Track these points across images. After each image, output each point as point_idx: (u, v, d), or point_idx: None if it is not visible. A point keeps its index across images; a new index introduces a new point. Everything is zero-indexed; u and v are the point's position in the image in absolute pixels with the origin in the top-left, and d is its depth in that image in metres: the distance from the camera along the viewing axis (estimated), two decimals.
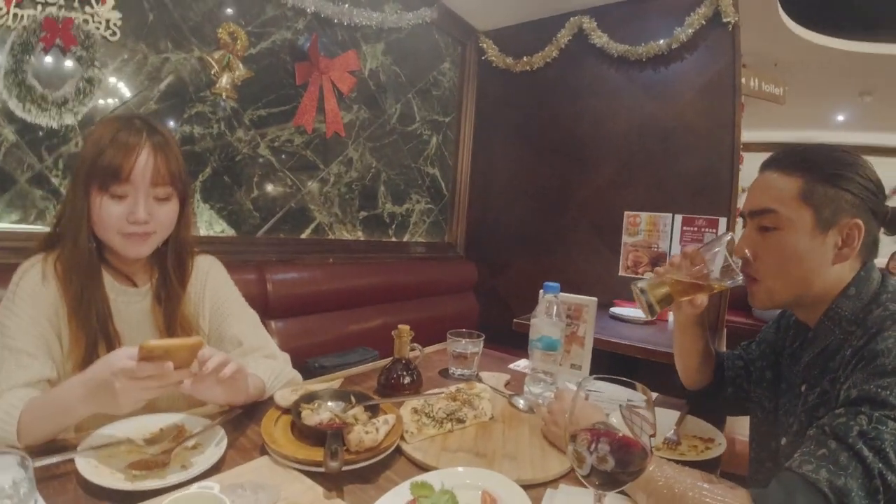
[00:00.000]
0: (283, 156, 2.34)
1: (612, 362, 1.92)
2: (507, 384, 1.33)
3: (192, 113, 2.00)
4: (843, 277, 0.87)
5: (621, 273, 2.85)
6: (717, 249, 0.96)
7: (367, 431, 0.86)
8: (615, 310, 2.56)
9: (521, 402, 1.16)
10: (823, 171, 0.85)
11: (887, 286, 0.86)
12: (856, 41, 4.39)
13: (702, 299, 1.05)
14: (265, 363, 1.16)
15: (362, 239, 2.76)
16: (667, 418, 1.16)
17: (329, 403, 1.03)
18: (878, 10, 4.02)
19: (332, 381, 1.21)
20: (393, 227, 2.96)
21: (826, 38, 4.34)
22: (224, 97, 2.07)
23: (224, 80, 2.06)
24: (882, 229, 0.90)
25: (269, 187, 2.30)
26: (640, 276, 2.78)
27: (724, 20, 2.54)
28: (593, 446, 0.62)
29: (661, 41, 2.70)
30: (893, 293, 0.84)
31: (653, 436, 0.62)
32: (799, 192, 0.86)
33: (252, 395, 1.06)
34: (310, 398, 1.03)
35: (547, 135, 3.13)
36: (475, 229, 3.43)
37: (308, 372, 1.89)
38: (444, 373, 1.40)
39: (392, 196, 2.92)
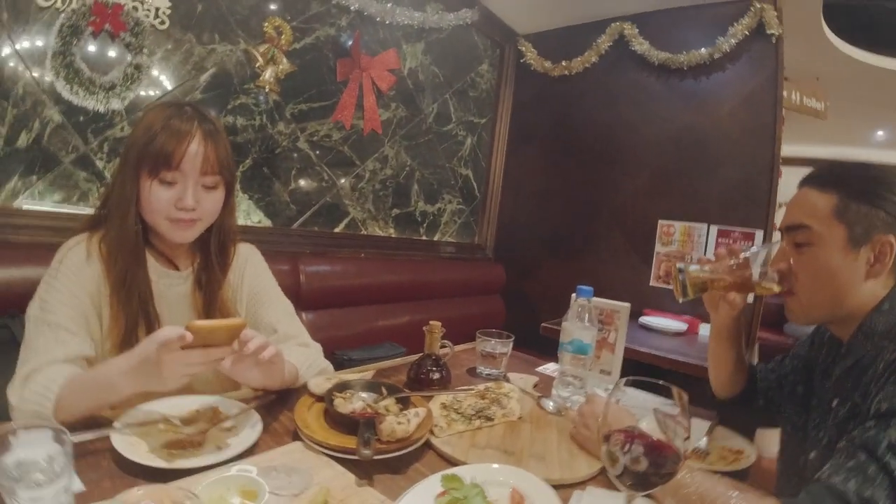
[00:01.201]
0: (321, 150, 2.38)
1: (641, 372, 1.88)
2: (535, 386, 1.33)
3: (235, 104, 2.05)
4: (877, 293, 0.87)
5: (652, 283, 2.81)
6: (761, 252, 0.96)
7: (400, 422, 0.88)
8: (645, 319, 2.53)
9: (549, 405, 1.17)
10: (858, 188, 0.86)
11: None
12: None
13: (737, 297, 1.03)
14: (299, 351, 1.18)
15: (394, 236, 2.80)
16: (697, 428, 1.15)
17: (362, 393, 1.05)
18: None
19: (364, 373, 1.23)
20: (424, 225, 2.99)
21: (869, 55, 4.25)
22: (267, 90, 2.12)
23: (268, 74, 2.11)
24: None
25: (306, 181, 2.35)
26: (669, 286, 2.74)
27: (768, 32, 2.50)
28: (627, 447, 0.62)
29: (703, 50, 2.67)
30: None
31: (687, 439, 0.62)
32: (833, 209, 0.87)
33: (286, 382, 1.08)
34: (343, 387, 1.05)
35: (582, 140, 3.11)
36: (505, 232, 3.44)
37: (336, 364, 1.89)
38: (472, 371, 1.41)
39: (425, 195, 2.95)
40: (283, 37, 2.13)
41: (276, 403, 1.05)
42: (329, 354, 2.02)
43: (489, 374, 1.36)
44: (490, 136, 3.38)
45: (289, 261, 2.11)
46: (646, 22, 2.88)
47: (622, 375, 1.18)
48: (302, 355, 1.17)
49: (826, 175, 0.91)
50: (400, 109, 2.71)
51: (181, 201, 1.01)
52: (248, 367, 0.92)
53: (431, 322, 1.24)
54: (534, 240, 3.30)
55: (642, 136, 2.89)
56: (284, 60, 2.16)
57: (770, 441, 1.24)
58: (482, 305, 3.07)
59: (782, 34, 2.51)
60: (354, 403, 0.99)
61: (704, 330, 2.54)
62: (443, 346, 1.29)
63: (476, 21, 2.98)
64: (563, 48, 3.17)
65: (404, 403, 1.02)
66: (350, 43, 2.40)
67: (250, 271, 1.24)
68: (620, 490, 0.66)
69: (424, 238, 3.01)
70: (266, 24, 2.07)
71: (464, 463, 0.88)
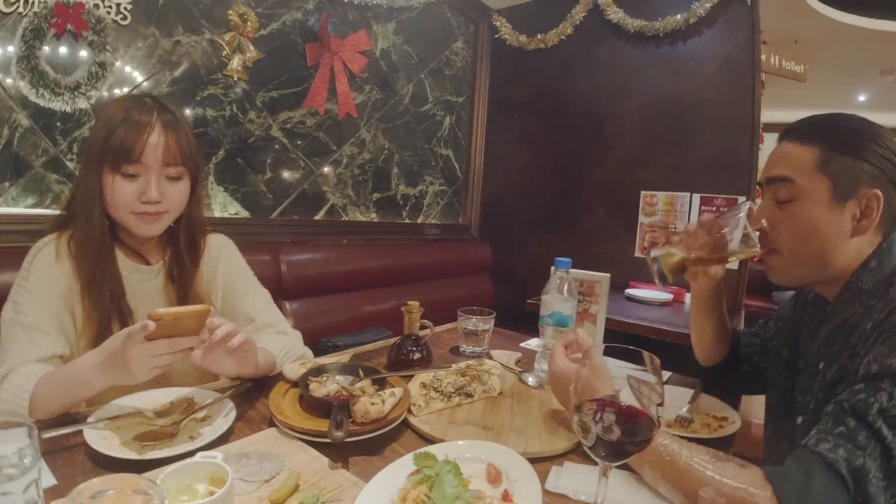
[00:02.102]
0: (296, 138, 2.34)
1: (627, 343, 1.89)
2: (518, 362, 1.32)
3: (204, 95, 2.00)
4: (863, 251, 0.84)
5: (637, 254, 2.80)
6: (738, 216, 0.93)
7: (373, 403, 0.86)
8: (631, 291, 2.53)
9: (530, 379, 1.15)
10: (841, 140, 0.83)
11: None
12: (878, 19, 4.26)
13: (716, 269, 1.02)
14: (276, 339, 1.17)
15: (376, 220, 2.76)
16: (680, 396, 1.14)
17: (337, 377, 1.04)
18: None
19: (341, 356, 1.21)
20: (407, 208, 2.96)
21: (848, 16, 4.22)
22: (235, 79, 2.07)
23: (235, 62, 2.06)
24: None
25: (282, 169, 2.31)
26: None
27: None
28: (599, 416, 0.60)
29: (679, 16, 2.62)
30: None
31: (660, 405, 0.60)
32: (816, 162, 0.83)
33: (262, 369, 1.07)
34: (318, 371, 1.04)
35: (562, 113, 3.07)
36: (490, 210, 3.40)
37: (321, 351, 1.90)
38: (455, 350, 1.40)
39: (405, 177, 2.91)
40: (248, 24, 2.08)
41: (252, 392, 1.04)
42: (314, 343, 2.02)
43: (472, 352, 1.35)
44: (469, 115, 3.33)
45: (269, 251, 2.08)
46: None
47: (608, 347, 1.17)
48: (279, 343, 1.16)
49: (807, 127, 0.88)
50: (374, 92, 2.65)
51: (145, 194, 1.00)
52: (220, 356, 0.91)
53: (409, 302, 1.22)
54: (519, 216, 3.27)
55: (622, 106, 2.85)
56: (251, 48, 2.10)
57: (757, 407, 1.24)
58: (470, 286, 3.05)
59: None
60: (329, 387, 0.97)
61: (690, 299, 2.54)
62: (423, 327, 1.27)
63: None
64: (537, 21, 3.10)
65: (381, 385, 1.01)
66: (318, 26, 2.34)
67: (224, 262, 1.23)
68: (596, 461, 0.64)
69: (408, 221, 2.97)
70: (230, 12, 2.02)
71: (441, 440, 0.87)
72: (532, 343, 1.52)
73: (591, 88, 2.95)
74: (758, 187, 0.94)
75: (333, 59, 2.42)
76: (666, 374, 1.34)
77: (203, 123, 2.01)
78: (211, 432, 0.83)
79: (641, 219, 2.79)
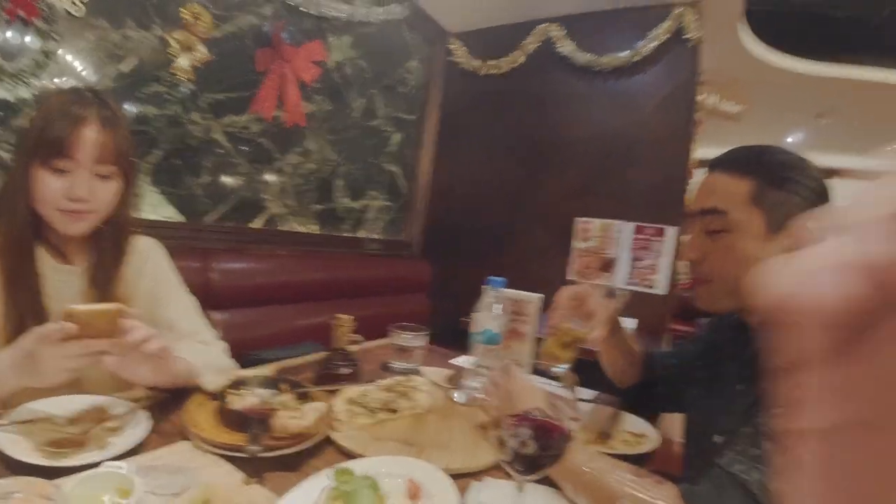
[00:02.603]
0: (239, 142, 2.27)
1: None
2: (448, 378, 1.32)
3: (148, 92, 1.93)
4: None
5: (571, 277, 2.89)
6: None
7: (293, 417, 0.84)
8: None
9: (457, 396, 1.15)
10: (774, 173, 0.84)
11: None
12: (815, 62, 4.57)
13: (593, 338, 1.06)
14: (198, 348, 1.13)
15: (316, 232, 2.71)
16: (602, 413, 1.17)
17: (258, 390, 1.00)
18: (840, 33, 4.19)
19: (265, 369, 1.17)
20: (348, 222, 2.92)
21: (785, 59, 4.50)
22: (182, 78, 2.01)
23: (183, 61, 1.99)
24: None
25: (222, 174, 2.24)
26: (586, 281, 2.84)
27: (686, 36, 2.61)
28: (515, 431, 0.61)
29: (624, 53, 2.76)
30: None
31: (574, 419, 0.61)
32: (750, 195, 0.84)
33: (180, 379, 1.02)
34: (238, 384, 0.99)
35: (510, 139, 3.15)
36: (433, 229, 3.41)
37: (249, 364, 1.82)
38: (386, 367, 1.38)
39: (349, 191, 2.87)
40: (201, 23, 2.02)
41: (169, 403, 0.99)
42: (242, 355, 1.94)
43: (402, 369, 1.34)
44: (418, 134, 3.35)
45: (199, 257, 2.00)
46: (572, 24, 2.94)
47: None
48: (200, 353, 1.11)
49: (740, 159, 0.88)
50: (325, 103, 2.63)
51: (72, 191, 0.95)
52: (135, 362, 0.87)
53: (339, 315, 1.20)
54: (462, 238, 3.30)
55: (567, 136, 2.95)
56: (201, 48, 2.04)
57: (677, 424, 1.28)
58: (408, 304, 3.04)
59: (701, 38, 2.62)
60: (248, 400, 0.93)
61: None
62: (353, 341, 1.25)
63: (406, 17, 2.95)
64: (491, 48, 3.19)
65: (304, 399, 0.98)
66: (272, 32, 2.31)
67: (150, 267, 1.18)
68: (513, 477, 0.64)
69: (348, 235, 2.93)
70: (184, 9, 1.96)
71: (362, 456, 0.85)
72: (461, 360, 1.52)
73: (539, 117, 3.04)
74: (688, 217, 0.97)
75: (285, 66, 2.39)
76: (593, 393, 1.38)
77: (143, 121, 1.93)
78: (121, 442, 0.80)
79: (576, 244, 2.88)
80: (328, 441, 0.91)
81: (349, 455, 0.87)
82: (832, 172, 7.11)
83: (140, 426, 0.85)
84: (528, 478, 0.64)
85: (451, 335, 1.86)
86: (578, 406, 0.62)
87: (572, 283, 2.74)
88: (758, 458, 0.67)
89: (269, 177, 2.43)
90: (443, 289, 3.18)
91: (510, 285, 1.24)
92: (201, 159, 2.15)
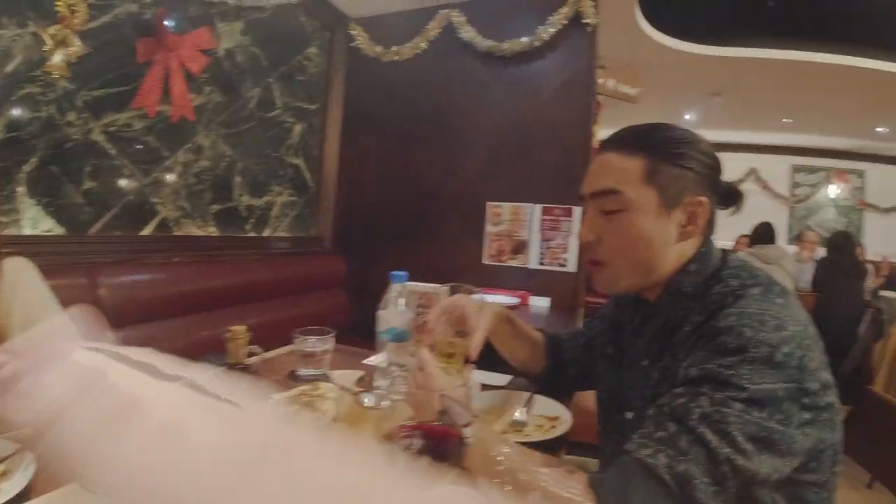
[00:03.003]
0: (121, 142, 2.07)
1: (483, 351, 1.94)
2: (359, 381, 1.26)
3: (20, 95, 1.72)
4: (685, 254, 0.86)
5: (486, 261, 2.92)
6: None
7: None
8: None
9: (366, 399, 1.10)
10: (666, 150, 0.84)
11: (728, 262, 0.86)
12: (707, 45, 4.88)
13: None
14: None
15: (215, 235, 2.53)
16: (517, 400, 1.17)
17: None
18: (728, 15, 4.47)
19: None
20: (251, 221, 2.75)
21: (680, 42, 4.76)
22: (56, 76, 1.80)
23: (58, 57, 1.79)
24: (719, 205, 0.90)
25: (104, 178, 2.03)
26: (501, 263, 2.90)
27: (584, 21, 2.67)
28: (405, 443, 0.57)
29: (525, 39, 2.79)
30: (734, 269, 0.84)
31: (467, 425, 0.59)
32: (643, 173, 0.83)
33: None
34: None
35: (416, 126, 3.10)
36: (344, 222, 3.31)
37: None
38: (293, 375, 1.30)
39: (250, 188, 2.71)
40: (77, 15, 1.82)
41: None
42: None
43: (310, 376, 1.26)
44: (322, 123, 3.22)
45: (85, 273, 1.81)
46: (472, 10, 2.93)
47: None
48: None
49: (631, 137, 0.87)
50: (216, 94, 2.44)
51: None
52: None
53: (232, 328, 1.11)
54: (374, 229, 3.22)
55: (473, 121, 2.95)
56: (77, 42, 1.83)
57: (591, 399, 1.31)
58: (325, 301, 2.94)
59: (597, 24, 2.69)
60: None
61: (535, 301, 2.71)
62: (252, 353, 1.16)
63: (302, 1, 2.80)
64: (394, 33, 3.11)
65: None
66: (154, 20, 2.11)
67: (22, 291, 1.07)
68: None
69: (252, 235, 2.77)
70: (59, 2, 1.76)
71: None
72: (373, 360, 1.47)
73: (443, 103, 3.02)
74: (580, 200, 0.95)
75: (170, 56, 2.19)
76: (507, 378, 1.38)
77: (15, 127, 1.72)
78: (9, 489, 0.73)
79: (489, 228, 2.91)
80: None
81: None
82: (725, 147, 7.72)
83: (27, 469, 0.77)
84: None
85: (371, 331, 1.80)
86: (472, 407, 0.59)
87: (488, 267, 2.82)
88: (663, 441, 0.66)
89: (158, 178, 2.23)
90: (360, 283, 3.10)
91: (427, 274, 1.20)
92: (81, 164, 1.95)
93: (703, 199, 0.83)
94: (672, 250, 0.85)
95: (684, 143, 0.84)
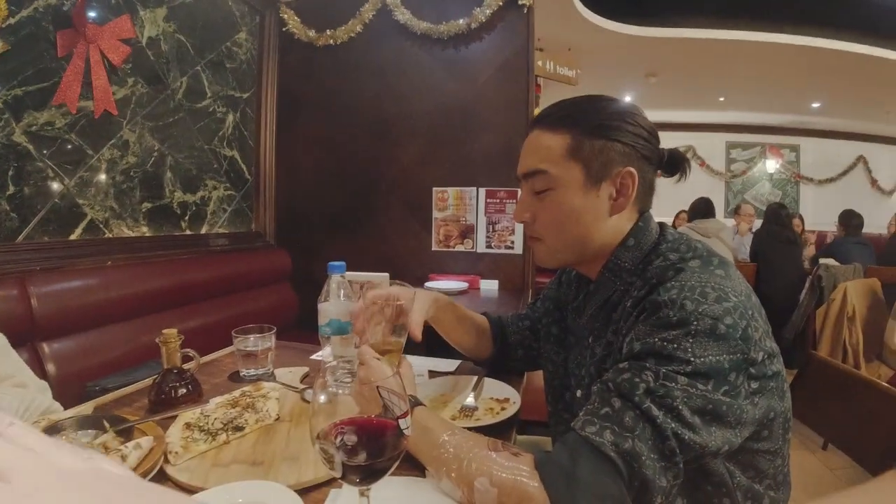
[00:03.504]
0: (43, 143, 1.94)
1: (424, 334, 1.95)
2: (304, 377, 1.24)
3: None
4: (622, 228, 0.86)
5: (434, 248, 2.92)
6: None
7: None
8: (429, 284, 2.62)
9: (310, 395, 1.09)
10: (590, 123, 0.83)
11: (666, 236, 0.86)
12: (642, 26, 4.97)
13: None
14: (13, 393, 0.99)
15: (148, 235, 2.41)
16: (466, 385, 1.18)
17: (77, 433, 0.86)
18: None
19: (82, 408, 1.02)
20: (186, 218, 2.63)
21: (615, 24, 4.83)
22: None
23: None
24: (660, 173, 0.90)
25: (27, 182, 1.90)
26: (449, 248, 2.91)
27: (520, 3, 2.69)
28: (339, 440, 0.57)
29: (461, 20, 2.77)
30: (672, 243, 0.84)
31: (403, 415, 0.58)
32: (566, 149, 0.82)
33: None
34: (52, 430, 0.85)
35: (354, 112, 3.05)
36: (285, 214, 3.23)
37: (89, 398, 1.61)
38: (236, 376, 1.26)
39: (182, 183, 2.59)
40: None
41: None
42: (80, 389, 1.70)
43: (254, 375, 1.23)
44: (256, 112, 3.10)
45: (15, 283, 1.71)
46: None
47: (408, 342, 1.17)
48: (17, 398, 0.97)
49: (557, 113, 0.86)
50: (140, 85, 2.31)
51: None
52: None
53: (165, 331, 1.07)
54: (317, 219, 3.17)
55: (411, 106, 2.93)
56: None
57: (542, 378, 1.34)
58: (271, 297, 2.87)
59: (533, 4, 2.70)
60: None
61: (485, 285, 2.74)
62: (187, 357, 1.12)
63: None
64: (327, 17, 3.03)
65: (128, 435, 0.86)
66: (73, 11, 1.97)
67: None
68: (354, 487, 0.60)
69: (188, 233, 2.65)
70: None
71: (202, 489, 0.76)
72: (320, 354, 1.45)
73: (381, 87, 2.98)
74: (517, 181, 0.95)
75: (90, 48, 2.06)
76: (455, 363, 1.39)
77: None
78: None
79: (435, 214, 2.91)
80: (165, 477, 0.81)
81: (188, 489, 0.78)
82: (663, 127, 7.97)
83: None
84: (371, 485, 0.60)
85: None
86: (417, 395, 0.59)
87: (437, 253, 2.82)
88: (608, 417, 0.66)
89: (84, 178, 2.10)
90: (305, 276, 3.05)
91: (376, 264, 1.18)
92: (4, 168, 1.83)
93: (633, 170, 0.82)
94: (606, 224, 0.85)
95: (611, 115, 0.84)
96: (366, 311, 0.98)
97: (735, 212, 6.05)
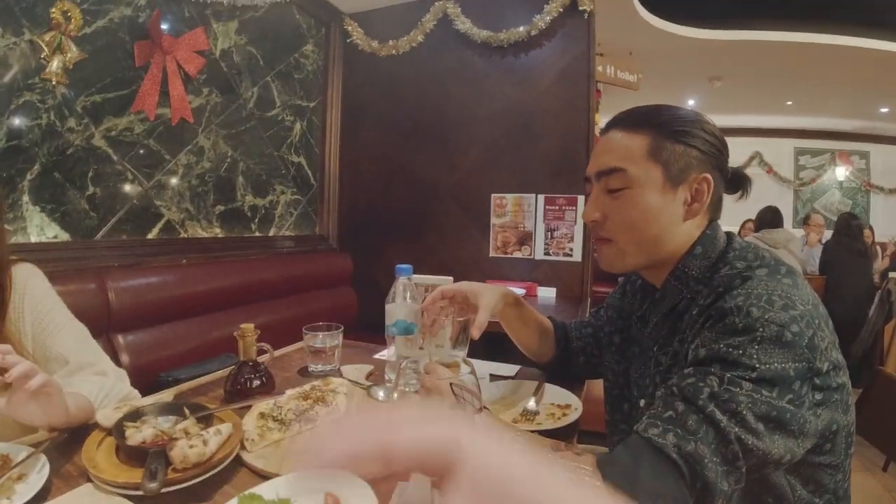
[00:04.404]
0: (122, 147, 2.08)
1: (485, 340, 1.95)
2: (369, 375, 1.28)
3: (19, 103, 1.73)
4: (692, 235, 0.86)
5: (492, 254, 2.93)
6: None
7: (192, 445, 0.77)
8: None
9: (379, 393, 1.12)
10: (670, 127, 0.84)
11: (734, 245, 0.86)
12: (706, 29, 4.83)
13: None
14: (93, 380, 1.03)
15: (220, 236, 2.54)
16: (527, 389, 1.18)
17: (159, 419, 0.92)
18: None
19: (163, 395, 1.08)
20: (256, 220, 2.77)
21: (678, 27, 4.71)
22: (54, 82, 1.81)
23: (55, 64, 1.80)
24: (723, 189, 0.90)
25: (107, 183, 2.04)
26: (507, 255, 2.90)
27: (581, 8, 2.66)
28: None
29: (521, 28, 2.78)
30: (740, 251, 0.84)
31: (478, 411, 0.59)
32: (647, 150, 0.83)
33: (76, 417, 0.93)
34: (135, 415, 0.90)
35: (415, 120, 3.11)
36: (347, 219, 3.33)
37: (161, 387, 1.70)
38: (304, 371, 1.31)
39: (253, 187, 2.72)
40: (72, 21, 1.83)
41: (69, 443, 0.90)
42: (152, 378, 1.80)
43: (321, 371, 1.28)
44: (321, 120, 3.22)
45: (94, 278, 1.83)
46: (467, 0, 2.92)
47: (470, 346, 1.19)
48: (96, 385, 1.02)
49: (635, 116, 0.87)
50: (214, 95, 2.45)
51: None
52: (23, 402, 0.79)
53: (242, 326, 1.12)
54: (378, 224, 3.24)
55: (471, 113, 2.95)
56: (73, 48, 1.85)
57: (601, 388, 1.32)
58: (333, 298, 2.95)
59: (594, 10, 2.68)
60: (145, 432, 0.85)
61: (542, 292, 2.72)
62: (262, 350, 1.17)
63: None
64: (389, 28, 3.11)
65: (207, 422, 0.90)
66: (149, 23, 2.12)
67: (30, 297, 1.07)
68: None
69: (258, 234, 2.78)
70: (53, 9, 1.77)
71: (276, 475, 0.79)
72: (385, 354, 1.48)
73: (441, 95, 3.02)
74: (585, 182, 0.95)
75: (166, 59, 2.20)
76: (515, 368, 1.39)
77: (17, 135, 1.73)
78: (25, 491, 0.73)
79: (493, 220, 2.92)
80: (239, 463, 0.85)
81: (263, 476, 0.82)
82: (728, 132, 7.66)
83: (41, 472, 0.78)
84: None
85: (382, 326, 1.82)
86: (482, 396, 0.60)
87: (494, 259, 2.82)
88: (672, 420, 0.66)
89: (162, 181, 2.25)
90: (366, 279, 3.12)
91: (433, 268, 1.21)
92: (84, 170, 1.96)
93: (709, 176, 0.83)
94: (679, 229, 0.85)
95: (688, 122, 0.84)
96: (434, 304, 1.00)
97: (804, 222, 5.75)
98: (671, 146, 0.83)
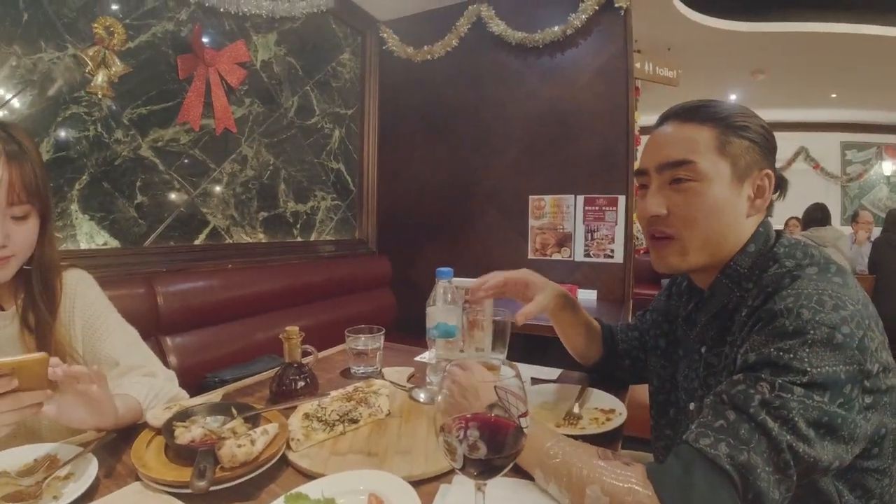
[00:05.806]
0: (169, 157, 2.16)
1: (525, 343, 1.93)
2: (410, 377, 1.28)
3: (65, 115, 1.82)
4: (748, 233, 0.84)
5: (531, 256, 2.90)
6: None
7: (240, 445, 0.78)
8: None
9: (421, 395, 1.12)
10: (732, 121, 0.82)
11: (782, 241, 0.84)
12: (747, 21, 4.68)
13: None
14: (143, 382, 1.06)
15: (264, 241, 2.62)
16: (569, 393, 1.16)
17: (207, 418, 0.94)
18: None
19: (211, 396, 1.11)
20: (297, 226, 2.83)
21: (717, 21, 4.57)
22: (100, 95, 1.90)
23: (100, 78, 1.89)
24: None
25: (155, 192, 2.13)
26: (546, 257, 2.86)
27: (617, 5, 2.62)
28: (462, 434, 0.57)
29: (556, 27, 2.75)
30: (789, 248, 0.82)
31: (523, 415, 0.58)
32: (716, 143, 0.81)
33: (125, 417, 0.95)
34: (184, 415, 0.93)
35: (451, 123, 3.12)
36: (386, 223, 3.37)
37: (207, 388, 1.77)
38: (347, 373, 1.33)
39: (294, 194, 2.79)
40: (114, 37, 1.92)
41: (118, 443, 0.93)
42: (199, 379, 1.85)
43: (363, 373, 1.29)
44: (359, 127, 3.28)
45: (143, 283, 1.91)
46: (501, 2, 2.92)
47: (510, 349, 1.18)
48: (145, 386, 1.05)
49: (696, 109, 0.85)
50: (256, 105, 2.52)
51: None
52: (72, 405, 0.82)
53: (287, 328, 1.14)
54: (416, 228, 3.27)
55: (507, 114, 2.94)
56: (117, 62, 1.93)
57: (645, 393, 1.29)
58: (372, 301, 2.99)
59: (630, 6, 2.63)
60: (194, 431, 0.87)
61: (582, 294, 2.67)
62: (306, 353, 1.19)
63: (332, 8, 2.86)
64: (424, 33, 3.15)
65: (254, 422, 0.92)
66: (191, 37, 2.20)
67: (81, 301, 1.10)
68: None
69: (300, 239, 2.85)
70: (96, 24, 1.86)
71: (321, 475, 0.80)
72: (426, 356, 1.49)
73: (477, 98, 3.02)
74: (639, 176, 0.93)
75: (209, 71, 2.28)
76: (556, 372, 1.37)
77: (64, 147, 1.82)
78: (74, 490, 0.75)
79: (531, 222, 2.89)
80: (285, 462, 0.86)
81: (308, 475, 0.83)
82: (773, 127, 7.37)
83: (91, 471, 0.80)
84: (486, 480, 0.60)
85: (420, 328, 1.82)
86: (527, 398, 0.59)
87: (534, 262, 2.80)
88: (723, 430, 0.64)
89: (207, 189, 2.32)
90: (405, 281, 3.15)
91: (471, 271, 1.21)
92: (132, 179, 2.05)
93: (770, 172, 0.82)
94: (742, 225, 0.84)
95: (748, 116, 0.84)
96: (493, 284, 1.06)
97: (852, 219, 5.48)
98: (737, 141, 0.82)
